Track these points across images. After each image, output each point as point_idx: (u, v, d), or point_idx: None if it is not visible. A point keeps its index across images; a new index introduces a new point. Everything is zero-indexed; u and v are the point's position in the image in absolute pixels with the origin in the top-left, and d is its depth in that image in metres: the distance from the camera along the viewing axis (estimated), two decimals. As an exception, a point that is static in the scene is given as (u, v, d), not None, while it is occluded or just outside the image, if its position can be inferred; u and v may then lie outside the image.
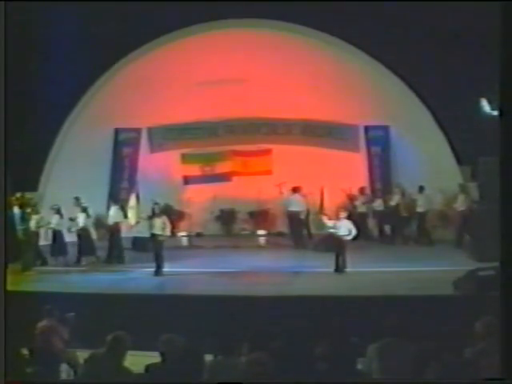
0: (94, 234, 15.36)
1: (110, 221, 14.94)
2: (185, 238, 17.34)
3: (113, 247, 14.80)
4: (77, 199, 14.94)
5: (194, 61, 16.70)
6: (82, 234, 14.71)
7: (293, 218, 16.61)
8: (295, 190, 16.64)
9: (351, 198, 17.30)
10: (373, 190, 17.45)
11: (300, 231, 16.71)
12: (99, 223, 17.91)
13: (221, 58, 16.59)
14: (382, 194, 17.21)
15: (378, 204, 16.94)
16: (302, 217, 16.66)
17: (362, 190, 17.40)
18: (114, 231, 14.87)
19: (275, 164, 18.34)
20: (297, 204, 16.57)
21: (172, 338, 5.87)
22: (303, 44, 16.47)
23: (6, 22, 6.22)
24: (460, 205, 15.66)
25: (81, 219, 14.67)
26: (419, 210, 16.36)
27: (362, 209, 17.09)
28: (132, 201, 16.34)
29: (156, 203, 14.04)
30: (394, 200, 16.68)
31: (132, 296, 11.47)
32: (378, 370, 6.03)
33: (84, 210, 14.75)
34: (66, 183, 16.46)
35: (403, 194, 16.77)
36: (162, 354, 5.74)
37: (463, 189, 15.81)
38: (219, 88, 17.14)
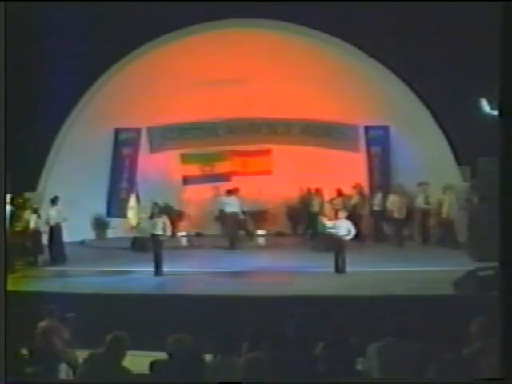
0: (44, 235, 15.06)
1: (52, 221, 14.66)
2: (184, 238, 17.35)
3: (55, 248, 14.67)
4: (27, 200, 14.88)
5: (194, 61, 16.71)
6: (34, 235, 14.54)
7: (229, 219, 16.63)
8: (231, 191, 16.76)
9: (308, 197, 17.61)
10: (372, 190, 17.45)
11: (236, 232, 16.76)
12: (98, 223, 17.99)
13: (221, 58, 16.58)
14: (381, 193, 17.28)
15: (337, 203, 17.05)
16: (241, 217, 16.73)
17: (318, 190, 17.58)
18: (54, 231, 14.71)
19: (275, 164, 18.35)
20: (232, 205, 16.61)
21: (177, 338, 5.87)
22: (303, 44, 16.46)
23: (6, 21, 6.22)
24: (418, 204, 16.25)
25: (32, 220, 14.51)
26: (375, 208, 16.77)
27: (316, 208, 17.43)
28: (132, 201, 16.36)
29: (156, 203, 14.04)
30: (354, 199, 17.02)
31: (132, 296, 11.46)
32: (378, 369, 6.03)
33: (35, 211, 14.63)
34: (66, 183, 16.46)
35: (361, 193, 17.13)
36: (170, 354, 5.74)
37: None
38: (219, 88, 17.14)
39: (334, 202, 17.23)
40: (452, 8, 13.86)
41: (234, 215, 16.53)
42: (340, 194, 17.33)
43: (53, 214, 14.66)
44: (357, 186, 17.30)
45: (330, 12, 15.08)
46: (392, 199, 16.45)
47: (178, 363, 5.46)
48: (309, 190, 17.77)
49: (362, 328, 7.31)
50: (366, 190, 17.57)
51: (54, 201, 14.79)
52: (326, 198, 17.42)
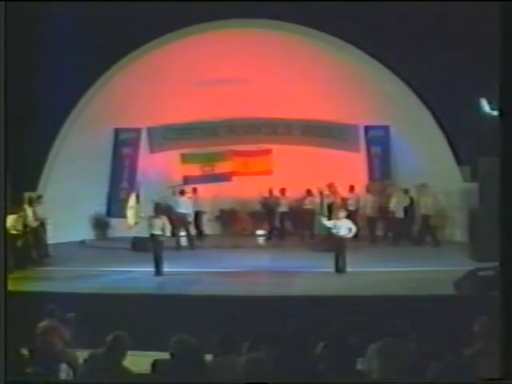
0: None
1: (30, 221, 14.48)
2: (184, 238, 17.33)
3: (34, 248, 14.54)
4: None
5: (194, 61, 16.70)
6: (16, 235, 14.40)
7: (179, 220, 16.55)
8: (182, 192, 16.87)
9: (273, 198, 17.82)
10: (373, 190, 17.44)
11: (188, 232, 16.75)
12: (98, 223, 17.97)
13: (221, 58, 16.59)
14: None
15: (308, 202, 17.41)
16: (189, 219, 16.69)
17: (282, 191, 17.81)
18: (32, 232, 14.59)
19: (275, 164, 18.34)
20: (182, 206, 16.63)
21: (179, 339, 5.87)
22: (303, 44, 16.46)
23: (6, 21, 6.22)
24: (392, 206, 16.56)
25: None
26: (350, 208, 16.86)
27: (283, 208, 17.76)
28: (132, 201, 16.33)
29: (157, 203, 14.04)
30: (329, 199, 17.22)
31: (132, 296, 11.46)
32: (377, 369, 6.04)
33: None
34: (66, 183, 16.47)
35: (335, 193, 17.25)
36: (172, 354, 5.74)
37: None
38: (219, 88, 17.14)
39: (306, 201, 17.42)
40: (452, 8, 13.86)
41: (181, 215, 16.50)
42: (310, 194, 17.55)
43: (29, 214, 14.59)
44: (331, 186, 17.40)
45: (330, 12, 15.08)
46: (366, 198, 16.88)
47: (179, 363, 5.47)
48: (309, 190, 17.81)
49: (362, 328, 7.31)
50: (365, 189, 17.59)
51: (31, 201, 14.81)
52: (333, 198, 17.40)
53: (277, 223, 18.12)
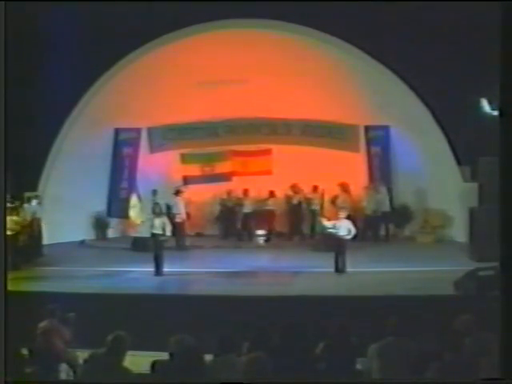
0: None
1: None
2: (185, 238, 17.31)
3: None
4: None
5: (194, 61, 16.70)
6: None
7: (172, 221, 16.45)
8: (177, 192, 16.80)
9: (308, 197, 17.82)
10: (372, 190, 17.44)
11: (179, 233, 16.53)
12: (98, 223, 17.98)
13: (221, 58, 16.58)
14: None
15: (272, 203, 17.63)
16: (179, 220, 16.42)
17: (245, 192, 17.97)
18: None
19: (275, 164, 18.34)
20: (175, 206, 16.53)
21: (178, 339, 5.87)
22: (303, 44, 16.46)
23: (6, 21, 6.23)
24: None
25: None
26: (313, 207, 17.26)
27: (247, 209, 17.92)
28: (133, 200, 16.35)
29: (156, 203, 14.05)
30: (296, 199, 17.45)
31: (132, 296, 11.47)
32: (378, 369, 6.04)
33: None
34: (66, 183, 16.47)
35: (299, 193, 17.52)
36: (171, 354, 5.74)
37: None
38: (219, 88, 17.15)
39: (268, 202, 17.46)
40: (452, 8, 13.86)
41: (175, 216, 16.26)
42: (273, 195, 17.74)
43: (26, 214, 14.54)
44: (294, 187, 17.51)
45: (329, 12, 15.08)
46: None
47: (178, 363, 5.47)
48: (272, 191, 18.00)
49: (362, 328, 7.31)
50: (366, 189, 17.58)
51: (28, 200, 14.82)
52: (327, 197, 17.41)
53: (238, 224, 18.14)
